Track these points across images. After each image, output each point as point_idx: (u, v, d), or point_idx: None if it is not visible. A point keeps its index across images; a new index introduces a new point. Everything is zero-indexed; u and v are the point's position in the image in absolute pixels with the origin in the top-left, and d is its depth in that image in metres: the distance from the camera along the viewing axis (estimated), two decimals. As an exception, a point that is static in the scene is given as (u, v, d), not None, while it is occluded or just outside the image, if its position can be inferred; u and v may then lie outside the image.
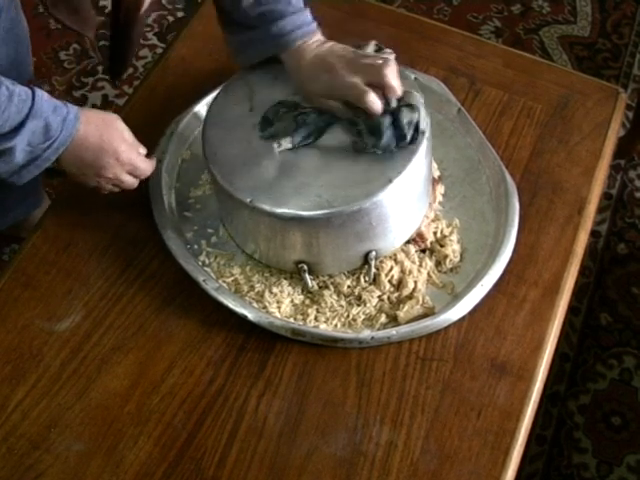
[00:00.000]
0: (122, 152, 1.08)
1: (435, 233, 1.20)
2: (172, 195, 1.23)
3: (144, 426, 1.06)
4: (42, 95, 1.01)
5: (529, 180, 1.27)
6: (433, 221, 1.20)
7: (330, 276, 1.15)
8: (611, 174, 2.17)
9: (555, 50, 2.41)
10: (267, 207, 1.06)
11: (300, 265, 1.12)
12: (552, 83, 1.37)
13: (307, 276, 1.13)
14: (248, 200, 1.07)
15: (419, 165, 1.08)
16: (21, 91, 0.99)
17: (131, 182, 1.13)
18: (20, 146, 1.00)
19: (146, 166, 1.12)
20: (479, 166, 1.27)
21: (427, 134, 1.09)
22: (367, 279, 1.14)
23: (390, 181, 1.05)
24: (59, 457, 1.04)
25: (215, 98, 1.16)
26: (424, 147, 1.08)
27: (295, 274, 1.15)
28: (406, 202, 1.11)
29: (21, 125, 0.99)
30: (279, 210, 1.06)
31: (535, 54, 2.32)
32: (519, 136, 1.31)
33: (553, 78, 1.38)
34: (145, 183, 1.18)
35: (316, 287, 1.15)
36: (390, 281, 1.15)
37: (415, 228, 1.17)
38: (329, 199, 1.05)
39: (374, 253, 1.12)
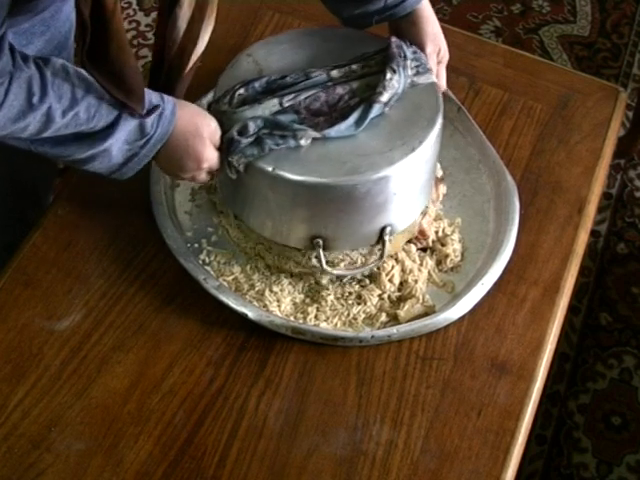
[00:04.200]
0: (206, 159, 1.06)
1: (437, 232, 1.20)
2: (172, 194, 1.23)
3: (144, 425, 1.06)
4: None
5: (529, 179, 1.27)
6: (435, 220, 1.20)
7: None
8: (611, 174, 2.17)
9: (555, 50, 2.41)
10: (291, 175, 1.05)
11: (315, 240, 1.11)
12: (552, 83, 1.37)
13: (322, 252, 1.11)
14: (270, 168, 1.05)
15: (437, 137, 1.10)
16: None
17: (206, 179, 1.11)
18: (117, 145, 1.00)
19: (218, 162, 1.08)
20: (479, 165, 1.27)
21: (441, 112, 1.10)
22: (380, 255, 1.13)
23: (413, 150, 1.06)
24: (59, 456, 1.03)
25: (222, 74, 1.14)
26: (440, 121, 1.09)
27: (296, 275, 1.15)
28: (423, 173, 1.11)
29: (114, 124, 0.99)
30: (303, 177, 1.04)
31: (535, 54, 2.32)
32: (519, 135, 1.31)
33: (553, 78, 1.38)
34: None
35: (329, 269, 1.12)
36: (391, 280, 1.15)
37: (425, 204, 1.17)
38: (354, 166, 1.04)
39: (389, 229, 1.12)
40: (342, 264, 1.14)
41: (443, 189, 1.23)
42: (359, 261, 1.14)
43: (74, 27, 1.24)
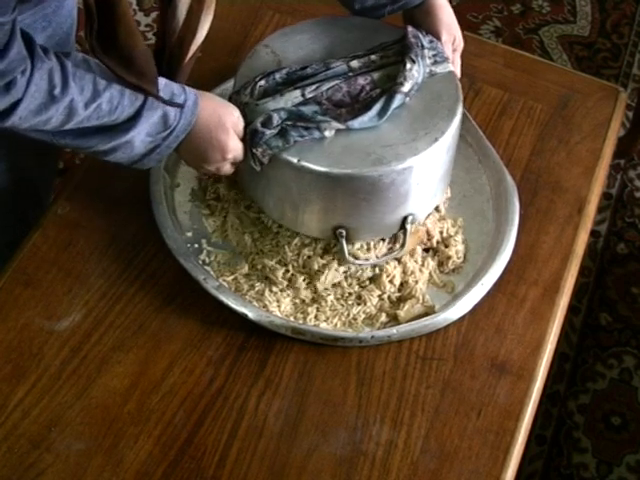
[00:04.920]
0: (230, 150, 1.06)
1: (441, 232, 1.19)
2: (172, 194, 1.23)
3: (144, 425, 1.06)
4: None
5: (529, 179, 1.27)
6: (439, 220, 1.20)
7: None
8: (611, 174, 2.17)
9: (555, 50, 2.41)
10: (316, 166, 1.05)
11: (339, 231, 1.11)
12: (552, 83, 1.37)
13: (344, 242, 1.11)
14: (296, 160, 1.05)
15: (457, 128, 1.10)
16: None
17: (230, 170, 1.11)
18: (139, 137, 1.00)
19: (242, 152, 1.08)
20: (479, 165, 1.27)
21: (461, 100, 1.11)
22: (401, 244, 1.13)
23: (436, 140, 1.06)
24: (59, 456, 1.03)
25: (241, 65, 1.14)
26: (461, 110, 1.10)
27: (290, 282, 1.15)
28: (445, 162, 1.12)
29: (136, 116, 0.99)
30: (328, 169, 1.04)
31: (535, 54, 2.32)
32: (519, 135, 1.31)
33: (553, 78, 1.38)
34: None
35: (351, 259, 1.12)
36: (391, 281, 1.15)
37: (444, 193, 1.18)
38: (379, 157, 1.05)
39: (411, 217, 1.12)
40: (364, 254, 1.14)
41: (448, 192, 1.23)
42: (381, 250, 1.14)
43: (75, 24, 1.25)
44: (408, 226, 1.12)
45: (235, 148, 1.06)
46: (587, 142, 1.31)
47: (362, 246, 1.14)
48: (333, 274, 1.14)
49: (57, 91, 0.93)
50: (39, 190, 1.40)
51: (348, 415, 1.08)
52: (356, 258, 1.13)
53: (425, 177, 1.09)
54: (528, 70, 1.39)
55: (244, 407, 1.08)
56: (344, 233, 1.11)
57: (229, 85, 1.18)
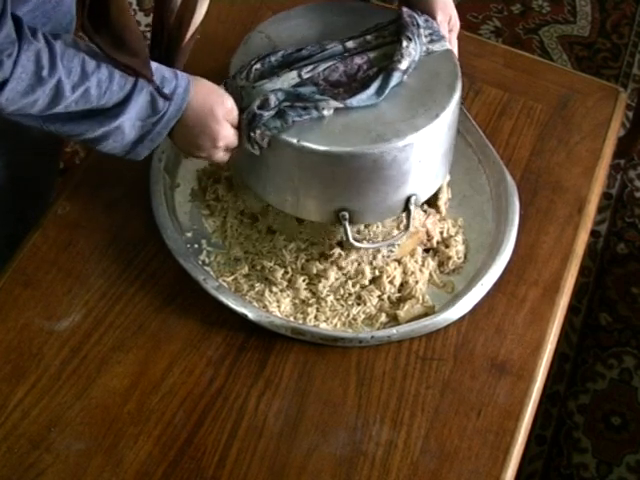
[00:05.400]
0: (222, 138, 1.05)
1: (441, 232, 1.19)
2: (172, 194, 1.23)
3: (144, 425, 1.06)
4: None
5: (529, 179, 1.27)
6: (439, 220, 1.20)
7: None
8: (611, 174, 2.17)
9: (555, 50, 2.41)
10: (316, 146, 1.03)
11: (342, 214, 1.09)
12: (552, 83, 1.37)
13: (348, 225, 1.10)
14: (295, 140, 1.04)
15: (457, 103, 1.09)
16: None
17: (224, 158, 1.10)
18: (129, 123, 0.99)
19: (236, 139, 1.08)
20: (479, 165, 1.27)
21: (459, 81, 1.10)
22: (405, 225, 1.12)
23: (437, 116, 1.06)
24: (59, 456, 1.03)
25: (235, 52, 1.13)
26: (460, 86, 1.09)
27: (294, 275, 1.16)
28: (446, 140, 1.11)
29: (125, 101, 0.98)
30: (329, 148, 1.03)
31: (535, 54, 2.32)
32: (519, 135, 1.31)
33: (553, 78, 1.38)
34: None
35: (355, 243, 1.11)
36: (391, 282, 1.15)
37: (446, 174, 1.18)
38: (380, 134, 1.04)
39: (414, 198, 1.11)
40: (367, 238, 1.14)
41: (449, 193, 1.23)
42: (384, 233, 1.14)
43: (75, 20, 1.25)
44: (411, 207, 1.11)
45: (227, 135, 1.05)
46: (587, 142, 1.31)
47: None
48: (333, 277, 1.14)
49: (45, 72, 0.92)
50: (39, 189, 1.40)
51: (348, 415, 1.08)
52: (359, 242, 1.12)
53: (427, 154, 1.08)
54: (528, 70, 1.39)
55: (244, 407, 1.08)
56: (347, 216, 1.09)
57: (229, 85, 1.17)
